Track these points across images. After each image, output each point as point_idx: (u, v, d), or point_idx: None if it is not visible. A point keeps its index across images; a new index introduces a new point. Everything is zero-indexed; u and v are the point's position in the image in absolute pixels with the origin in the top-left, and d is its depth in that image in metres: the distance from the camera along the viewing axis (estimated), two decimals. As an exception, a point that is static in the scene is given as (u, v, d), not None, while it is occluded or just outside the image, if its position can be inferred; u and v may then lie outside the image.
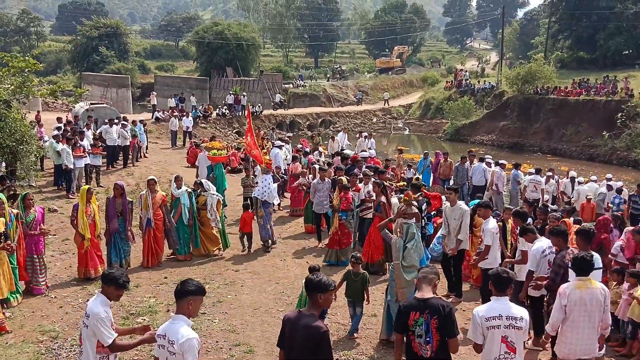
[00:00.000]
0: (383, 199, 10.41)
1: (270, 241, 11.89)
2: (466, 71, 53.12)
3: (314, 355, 4.22)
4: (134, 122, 22.02)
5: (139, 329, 5.06)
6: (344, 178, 12.15)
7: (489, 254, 8.53)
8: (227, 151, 17.67)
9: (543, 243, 7.43)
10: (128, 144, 20.10)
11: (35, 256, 8.94)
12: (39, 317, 8.15)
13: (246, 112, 30.29)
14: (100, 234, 10.06)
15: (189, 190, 11.43)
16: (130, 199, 10.52)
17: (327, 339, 4.26)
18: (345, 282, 7.96)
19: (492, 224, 8.64)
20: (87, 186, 10.26)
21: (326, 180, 12.49)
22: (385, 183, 11.43)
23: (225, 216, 12.45)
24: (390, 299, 7.41)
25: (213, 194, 11.48)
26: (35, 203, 9.54)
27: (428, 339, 4.66)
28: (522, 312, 5.07)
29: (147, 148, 22.89)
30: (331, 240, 11.11)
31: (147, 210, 10.50)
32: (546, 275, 7.05)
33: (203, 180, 12.08)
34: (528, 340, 8.40)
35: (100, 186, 16.56)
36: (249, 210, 11.84)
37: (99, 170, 17.47)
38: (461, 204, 9.41)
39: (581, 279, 5.77)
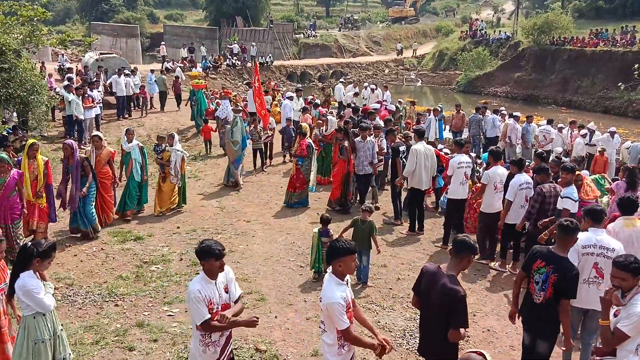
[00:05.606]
0: (346, 143, 11.10)
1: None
2: (481, 21, 51.70)
3: (449, 316, 4.19)
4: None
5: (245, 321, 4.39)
6: (304, 124, 12.66)
7: (512, 208, 8.36)
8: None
9: (521, 178, 8.33)
10: (137, 93, 20.05)
11: (10, 225, 7.95)
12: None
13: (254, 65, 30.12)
14: (41, 190, 8.73)
15: (140, 144, 11.03)
16: (85, 156, 9.63)
17: (463, 303, 4.14)
18: (352, 230, 7.98)
19: (518, 179, 8.40)
20: (32, 140, 9.13)
21: (368, 139, 11.05)
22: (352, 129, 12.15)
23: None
24: (232, 163, 12.57)
25: (178, 151, 11.02)
26: (12, 166, 8.36)
27: (544, 287, 4.96)
28: (615, 244, 5.58)
29: (164, 98, 22.84)
30: (289, 183, 11.74)
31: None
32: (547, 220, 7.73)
33: (175, 134, 11.55)
34: (495, 263, 8.77)
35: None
36: (207, 124, 16.63)
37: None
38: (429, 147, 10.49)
39: (627, 218, 6.14)
